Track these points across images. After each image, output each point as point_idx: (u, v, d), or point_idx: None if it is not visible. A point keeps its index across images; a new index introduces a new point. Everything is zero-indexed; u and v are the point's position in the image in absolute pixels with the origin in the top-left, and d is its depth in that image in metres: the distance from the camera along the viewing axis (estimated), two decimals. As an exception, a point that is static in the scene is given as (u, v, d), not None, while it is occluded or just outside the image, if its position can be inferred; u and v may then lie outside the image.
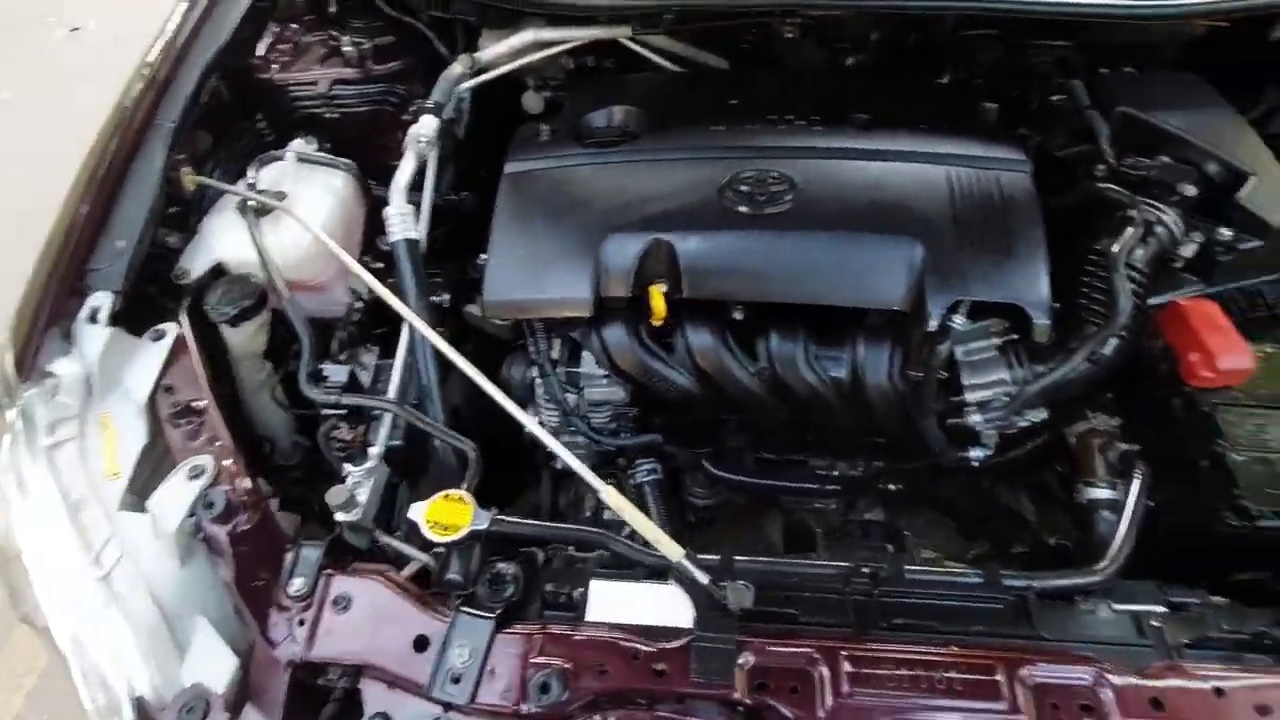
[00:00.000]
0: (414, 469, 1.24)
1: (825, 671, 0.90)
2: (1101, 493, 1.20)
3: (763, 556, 1.16)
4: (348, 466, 1.12)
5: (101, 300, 1.14)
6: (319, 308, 1.36)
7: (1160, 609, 1.01)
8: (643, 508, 1.33)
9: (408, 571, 1.07)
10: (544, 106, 1.61)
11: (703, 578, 0.95)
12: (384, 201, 1.32)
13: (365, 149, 1.47)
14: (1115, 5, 1.29)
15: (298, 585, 0.96)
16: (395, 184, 1.32)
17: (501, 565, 1.00)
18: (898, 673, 0.91)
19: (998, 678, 0.89)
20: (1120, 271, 1.13)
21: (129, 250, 1.18)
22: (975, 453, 1.26)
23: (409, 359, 1.24)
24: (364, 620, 0.95)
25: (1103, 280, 1.16)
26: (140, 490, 1.04)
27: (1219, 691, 0.88)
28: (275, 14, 1.54)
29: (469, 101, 1.52)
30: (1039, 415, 1.23)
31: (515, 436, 1.22)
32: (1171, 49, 1.50)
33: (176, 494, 1.01)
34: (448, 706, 0.89)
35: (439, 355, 1.18)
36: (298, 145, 1.41)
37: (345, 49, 1.48)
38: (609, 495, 1.04)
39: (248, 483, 1.03)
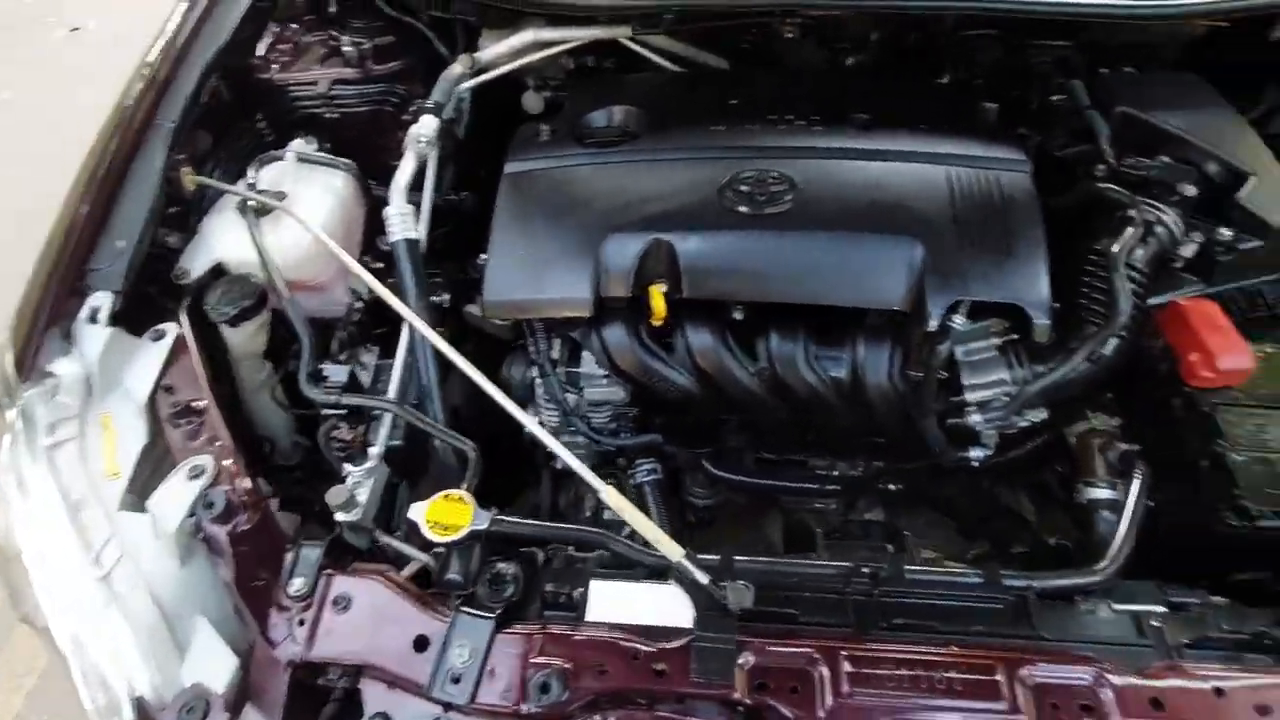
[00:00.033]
0: (414, 469, 1.24)
1: (825, 671, 0.90)
2: (1101, 493, 1.20)
3: (763, 556, 1.16)
4: (348, 466, 1.12)
5: (101, 300, 1.14)
6: (319, 308, 1.36)
7: (1160, 609, 1.01)
8: (643, 508, 1.33)
9: (408, 571, 1.07)
10: (544, 106, 1.61)
11: (703, 578, 0.95)
12: (384, 201, 1.32)
13: (365, 149, 1.47)
14: (1114, 5, 1.29)
15: (298, 585, 0.96)
16: (395, 184, 1.32)
17: (501, 565, 1.00)
18: (898, 673, 0.90)
19: (998, 678, 0.89)
20: (1120, 271, 1.13)
21: (129, 250, 1.18)
22: (975, 453, 1.26)
23: (409, 359, 1.24)
24: (364, 620, 0.95)
25: (1103, 280, 1.16)
26: (140, 490, 1.04)
27: (1219, 691, 0.88)
28: (275, 14, 1.54)
29: (469, 101, 1.52)
30: (1039, 415, 1.23)
31: (515, 436, 1.22)
32: (1172, 49, 1.50)
33: (176, 494, 1.01)
34: (448, 706, 0.89)
35: (439, 355, 1.18)
36: (298, 145, 1.41)
37: (345, 49, 1.48)
38: (609, 495, 1.04)
39: (248, 483, 1.03)
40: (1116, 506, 1.17)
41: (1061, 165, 1.34)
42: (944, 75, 1.53)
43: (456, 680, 0.89)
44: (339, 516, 1.05)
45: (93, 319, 1.13)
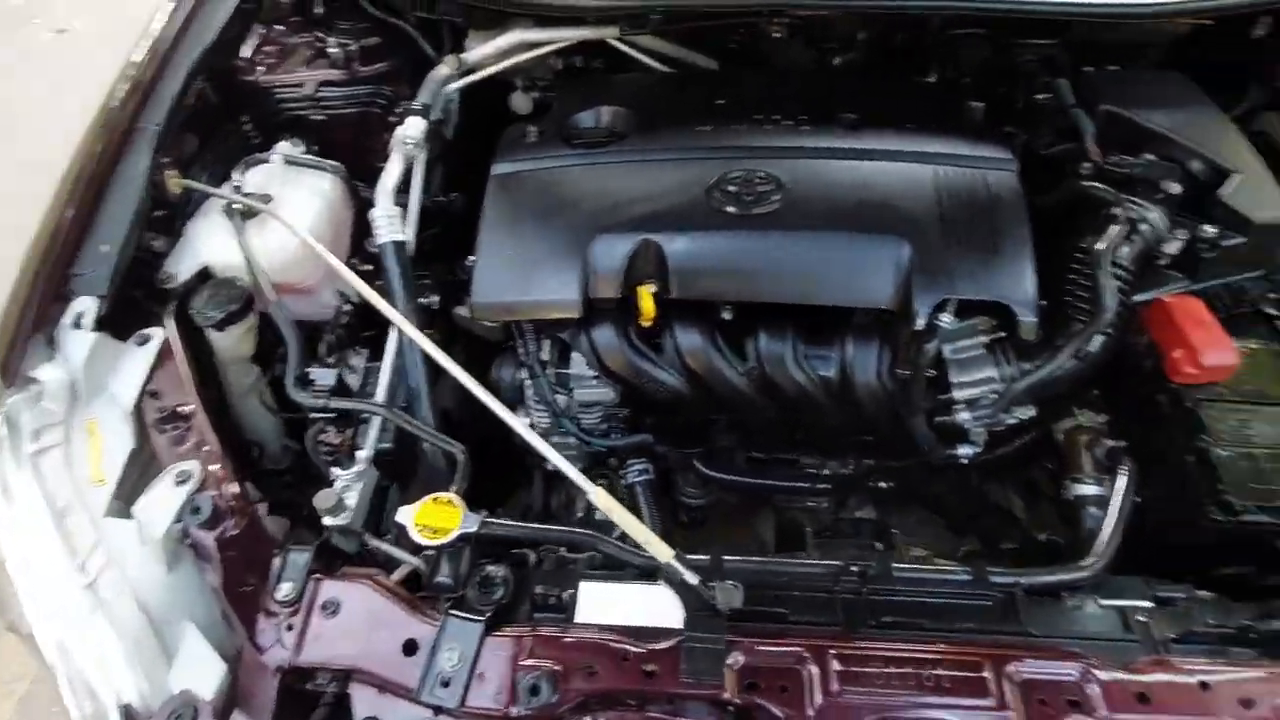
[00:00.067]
0: (403, 472, 1.24)
1: (814, 670, 0.90)
2: (1088, 489, 1.21)
3: (753, 556, 1.17)
4: (336, 470, 1.12)
5: (86, 305, 1.13)
6: (307, 310, 1.35)
7: (1146, 604, 1.02)
8: (634, 508, 1.33)
9: (398, 575, 1.07)
10: (532, 107, 1.61)
11: (692, 578, 0.96)
12: (372, 204, 1.32)
13: (352, 151, 1.46)
14: (1094, 3, 1.30)
15: (286, 590, 0.96)
16: (381, 186, 1.31)
17: (491, 568, 1.00)
18: (886, 670, 0.91)
19: (985, 674, 0.90)
20: (1105, 269, 1.13)
21: (114, 255, 1.17)
22: (964, 450, 1.26)
23: (397, 362, 1.24)
24: (353, 624, 0.95)
25: (1088, 278, 1.16)
26: (127, 496, 1.04)
27: (1204, 685, 0.89)
28: (260, 16, 1.53)
29: (457, 103, 1.51)
30: (1027, 412, 1.24)
31: (507, 438, 1.21)
32: (1157, 48, 1.51)
33: (163, 500, 1.00)
34: (437, 710, 0.89)
35: (428, 358, 1.17)
36: (284, 147, 1.41)
37: (331, 50, 1.47)
38: (598, 496, 1.04)
39: (235, 488, 1.03)
40: (1103, 502, 1.18)
41: (1047, 164, 1.34)
42: (931, 74, 1.54)
43: (446, 684, 0.89)
44: (327, 520, 1.05)
45: (77, 324, 1.12)
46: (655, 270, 1.18)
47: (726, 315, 1.22)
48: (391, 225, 1.28)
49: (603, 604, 0.98)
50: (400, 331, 1.21)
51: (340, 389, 1.24)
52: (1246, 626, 0.98)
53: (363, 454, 1.14)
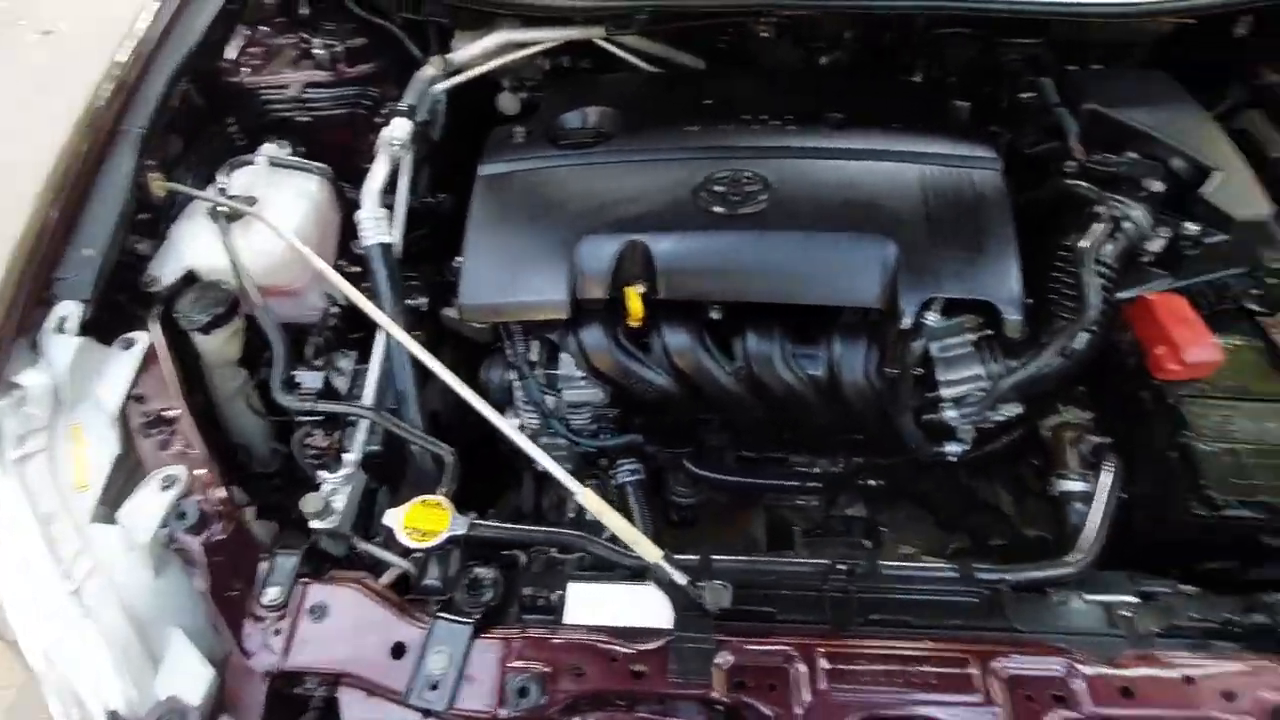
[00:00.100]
0: (392, 474, 1.24)
1: (803, 668, 0.91)
2: (1074, 485, 1.22)
3: (743, 555, 1.17)
4: (323, 474, 1.12)
5: (69, 310, 1.12)
6: (294, 313, 1.34)
7: (1131, 599, 1.03)
8: (625, 508, 1.33)
9: (387, 578, 1.06)
10: (520, 107, 1.60)
11: (680, 578, 0.96)
12: (358, 205, 1.31)
13: (339, 152, 1.46)
14: (1069, 3, 1.31)
15: (273, 594, 0.96)
16: (367, 188, 1.31)
17: (480, 570, 1.00)
18: (874, 668, 0.92)
19: (972, 671, 0.90)
20: (1089, 267, 1.14)
21: (97, 258, 1.16)
22: (952, 447, 1.27)
23: (385, 364, 1.24)
24: (341, 628, 0.94)
25: (1073, 276, 1.17)
26: (112, 502, 1.03)
27: (1187, 679, 0.90)
28: (245, 16, 1.52)
29: (443, 103, 1.51)
30: (1013, 410, 1.25)
31: (496, 440, 1.21)
32: (1141, 46, 1.52)
33: (148, 505, 1.00)
34: (426, 713, 0.89)
35: (415, 359, 1.17)
36: (269, 149, 1.40)
37: (317, 51, 1.47)
38: (585, 497, 1.04)
39: (221, 492, 1.02)
40: (1089, 499, 1.19)
41: (1032, 162, 1.35)
42: (917, 73, 1.54)
43: (434, 687, 0.89)
44: (314, 524, 1.05)
45: (60, 329, 1.11)
46: (643, 271, 1.18)
47: (715, 315, 1.22)
48: (378, 227, 1.28)
49: (592, 605, 0.98)
50: (387, 334, 1.21)
51: (327, 392, 1.23)
52: (1229, 620, 0.99)
53: (350, 457, 1.14)
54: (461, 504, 1.05)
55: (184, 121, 1.38)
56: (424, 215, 1.49)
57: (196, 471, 1.03)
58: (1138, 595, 1.04)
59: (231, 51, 1.48)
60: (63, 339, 1.11)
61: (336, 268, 1.34)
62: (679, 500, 1.47)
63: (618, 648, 0.92)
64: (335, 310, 1.34)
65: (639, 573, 1.02)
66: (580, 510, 1.33)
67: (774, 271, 1.17)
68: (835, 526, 1.46)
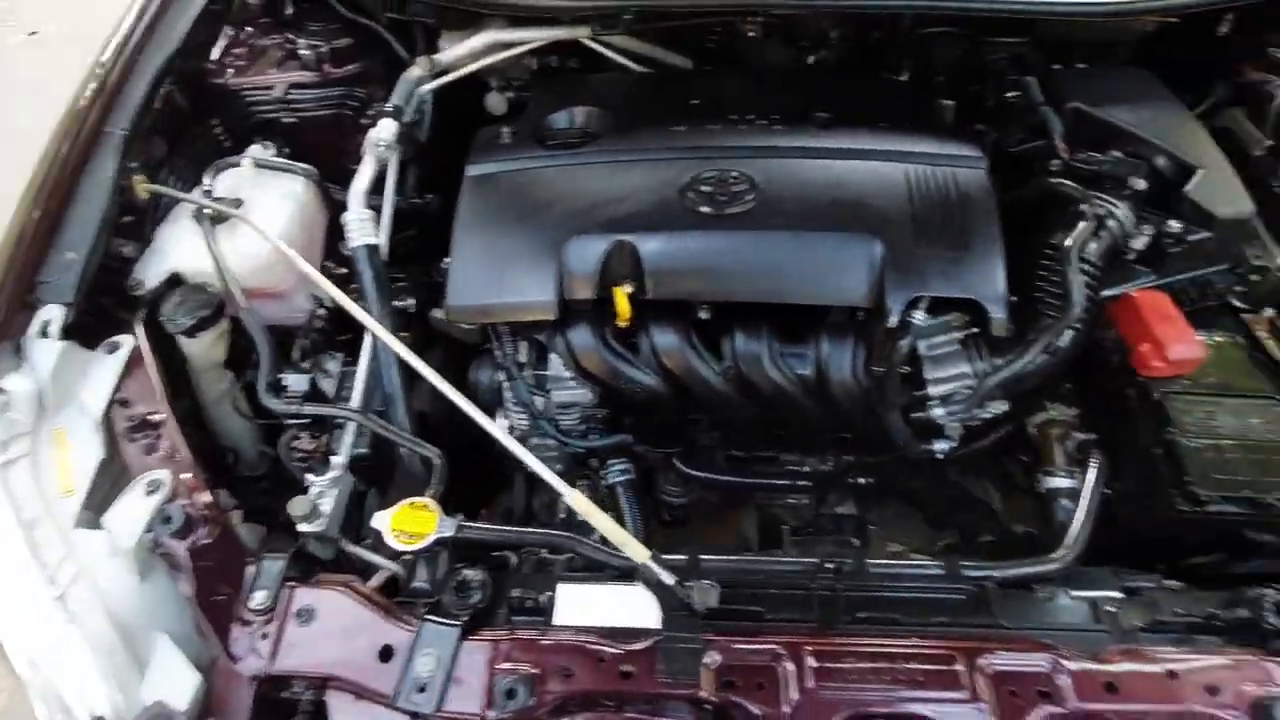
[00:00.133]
0: (382, 477, 1.23)
1: (790, 667, 0.91)
2: (1060, 482, 1.23)
3: (731, 554, 1.17)
4: (310, 477, 1.11)
5: (52, 314, 1.12)
6: (281, 315, 1.34)
7: (1116, 594, 1.04)
8: (616, 508, 1.33)
9: (376, 581, 1.06)
10: (508, 108, 1.60)
11: (668, 578, 0.96)
12: (345, 207, 1.31)
13: (326, 153, 1.45)
14: (1050, 2, 1.31)
15: (260, 598, 0.95)
16: (353, 189, 1.30)
17: (468, 572, 1.00)
18: (861, 666, 0.92)
19: (958, 667, 0.91)
20: (1074, 265, 1.15)
21: (80, 262, 1.15)
22: (940, 445, 1.28)
23: (373, 366, 1.23)
24: (328, 632, 0.94)
25: (1058, 274, 1.18)
26: (97, 507, 1.02)
27: (1171, 674, 0.91)
28: (230, 17, 1.51)
29: (430, 104, 1.50)
30: (1000, 407, 1.25)
31: (487, 440, 1.21)
32: (1126, 45, 1.53)
33: (133, 510, 0.99)
34: (414, 716, 0.89)
35: (403, 361, 1.17)
36: (255, 151, 1.39)
37: (302, 52, 1.46)
38: (573, 498, 1.04)
39: (207, 496, 1.02)
40: (1075, 495, 1.19)
41: (1017, 161, 1.36)
42: (904, 73, 1.55)
43: (422, 689, 0.89)
44: (302, 527, 1.04)
45: (43, 333, 1.10)
46: (630, 271, 1.18)
47: (703, 315, 1.22)
48: (364, 229, 1.28)
49: (581, 605, 0.98)
50: (374, 335, 1.21)
51: (314, 394, 1.23)
52: (1212, 615, 1.00)
53: (337, 460, 1.14)
54: (453, 505, 1.05)
55: (168, 123, 1.37)
56: (412, 216, 1.49)
57: (182, 476, 1.03)
58: (1122, 591, 1.05)
59: (216, 52, 1.48)
60: (46, 343, 1.10)
61: (324, 269, 1.33)
62: (670, 500, 1.47)
63: (606, 648, 0.92)
64: (322, 312, 1.33)
65: (628, 573, 1.02)
66: (571, 511, 1.33)
67: (761, 271, 1.18)
68: (826, 525, 1.46)
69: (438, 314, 1.35)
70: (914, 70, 1.53)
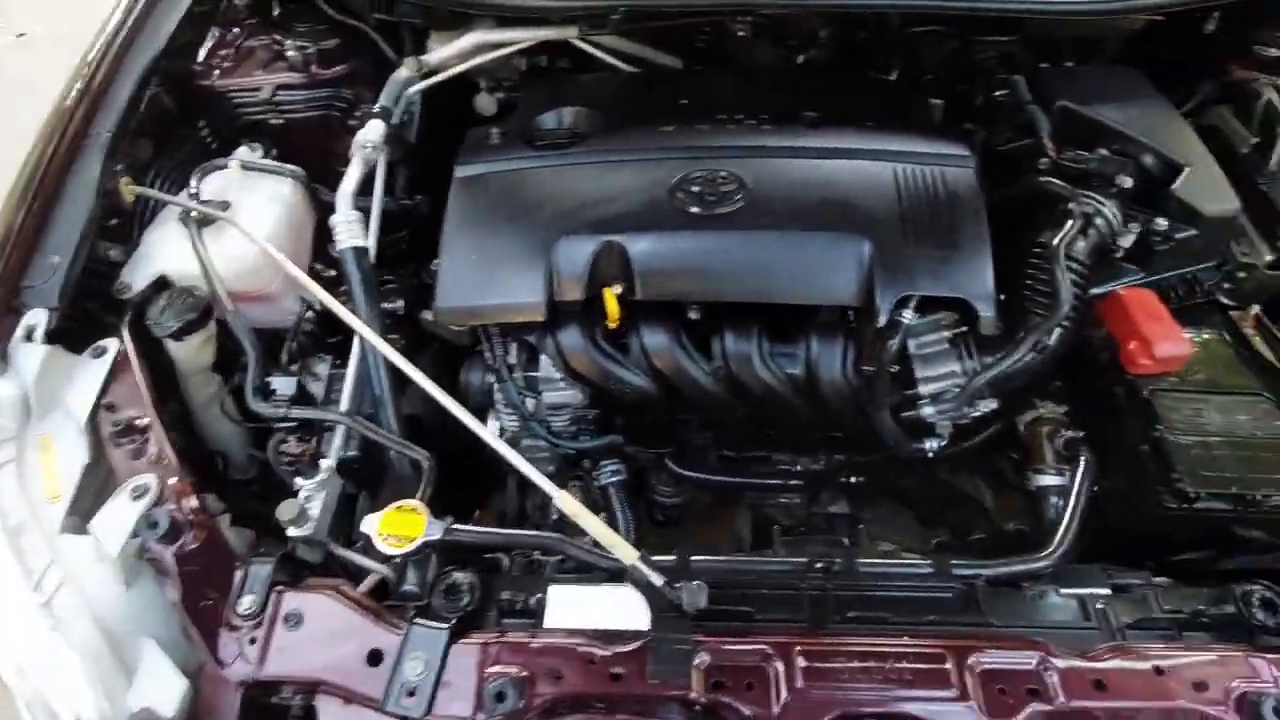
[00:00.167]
0: (372, 480, 1.23)
1: (780, 667, 0.91)
2: (1050, 479, 1.23)
3: (726, 554, 1.17)
4: (299, 480, 1.11)
5: (37, 318, 1.11)
6: (270, 318, 1.33)
7: (1105, 592, 1.04)
8: (608, 509, 1.33)
9: (367, 585, 1.06)
10: (498, 108, 1.60)
11: (657, 579, 0.96)
12: (334, 209, 1.30)
13: (314, 155, 1.44)
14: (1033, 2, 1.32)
15: (248, 603, 0.95)
16: (341, 191, 1.30)
17: (458, 575, 0.99)
18: (851, 665, 0.92)
19: (947, 666, 0.91)
20: (1061, 263, 1.15)
21: (65, 265, 1.15)
22: (930, 444, 1.28)
23: (361, 368, 1.23)
24: (316, 636, 0.94)
25: (1046, 272, 1.18)
26: (83, 512, 1.02)
27: (1159, 670, 0.91)
28: (216, 18, 1.50)
29: (419, 105, 1.50)
30: (990, 405, 1.25)
31: (480, 442, 1.21)
32: (1114, 43, 1.54)
33: (119, 515, 0.99)
34: (403, 720, 0.89)
35: (392, 363, 1.16)
36: (242, 153, 1.39)
37: (289, 53, 1.45)
38: (562, 500, 1.04)
39: (194, 501, 1.01)
40: (1064, 492, 1.20)
41: (1006, 160, 1.36)
42: (893, 72, 1.55)
43: (411, 693, 0.89)
44: (290, 531, 1.04)
45: (28, 337, 1.10)
46: (620, 271, 1.18)
47: (693, 315, 1.22)
48: (351, 231, 1.27)
49: (571, 607, 0.98)
50: (362, 338, 1.20)
51: (302, 397, 1.22)
52: (1200, 611, 1.00)
53: (326, 463, 1.13)
54: (445, 508, 1.04)
55: (154, 125, 1.37)
56: (402, 217, 1.48)
57: (168, 480, 1.02)
58: (1111, 588, 1.05)
59: (203, 54, 1.47)
60: (31, 347, 1.09)
61: (312, 271, 1.33)
62: (662, 500, 1.47)
63: (596, 650, 0.92)
64: (310, 315, 1.33)
65: (619, 574, 1.02)
66: (563, 513, 1.33)
67: (750, 271, 1.18)
68: (818, 524, 1.47)
69: (428, 316, 1.35)
70: (903, 69, 1.53)
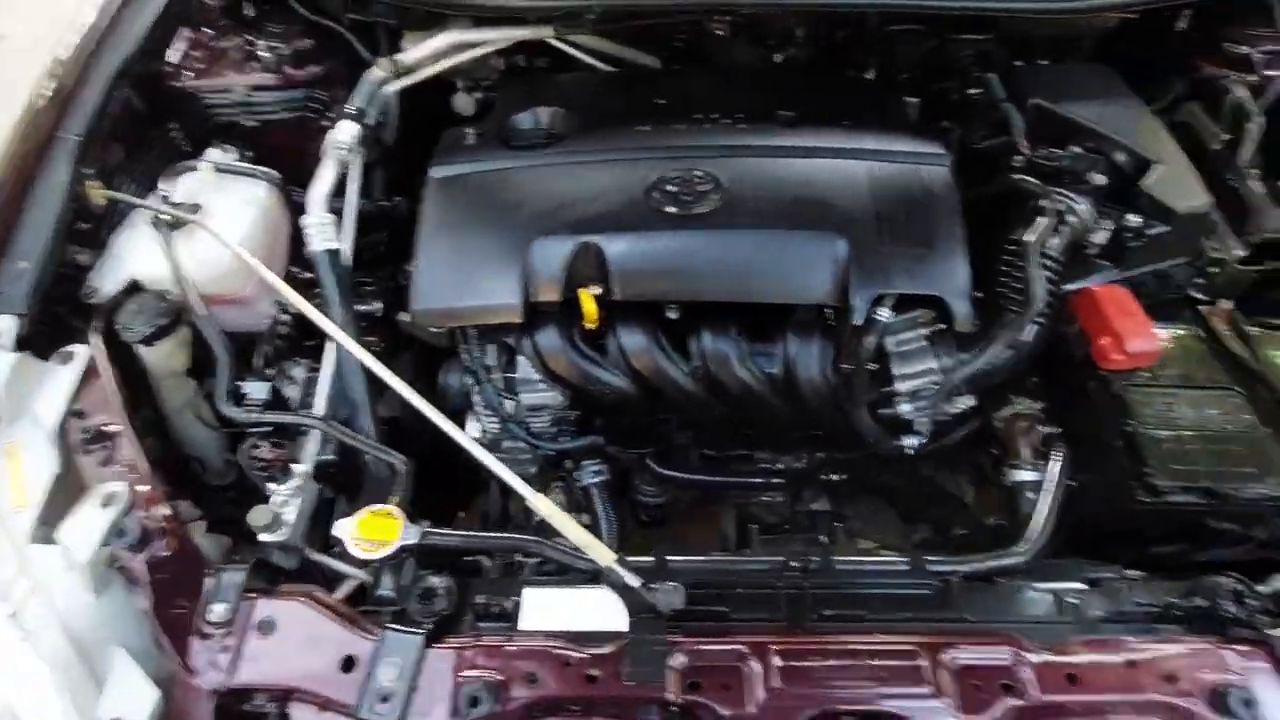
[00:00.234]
0: (349, 484, 1.22)
1: (756, 666, 0.91)
2: (1026, 475, 1.24)
3: (706, 554, 1.17)
4: (271, 485, 1.09)
5: (5, 325, 1.09)
6: (245, 322, 1.32)
7: (1079, 586, 1.05)
8: (590, 510, 1.33)
9: (343, 590, 1.05)
10: (475, 108, 1.59)
11: (633, 581, 0.96)
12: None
13: (288, 157, 1.43)
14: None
15: (219, 611, 0.94)
16: (313, 193, 1.29)
17: (433, 579, 0.99)
18: (827, 663, 0.92)
19: (921, 662, 0.91)
20: (1035, 260, 1.16)
21: (33, 271, 1.13)
22: (909, 441, 1.28)
23: (337, 372, 1.22)
24: (290, 643, 0.93)
25: (1020, 269, 1.19)
26: (52, 521, 1.00)
27: (1130, 663, 0.92)
28: (188, 18, 1.48)
29: (395, 105, 1.49)
30: (968, 402, 1.26)
31: (459, 445, 1.20)
32: (1088, 42, 1.55)
33: (88, 523, 0.97)
34: (377, 726, 0.88)
35: (367, 367, 1.15)
36: (214, 155, 1.37)
37: (263, 54, 1.43)
38: (538, 501, 1.04)
39: (165, 508, 1.00)
40: (1039, 488, 1.20)
41: (981, 157, 1.37)
42: (870, 70, 1.55)
43: (385, 699, 0.88)
44: (263, 537, 1.03)
45: (-4, 344, 1.08)
46: (597, 272, 1.18)
47: (671, 315, 1.22)
48: (324, 233, 1.26)
49: (546, 610, 0.98)
50: (337, 341, 1.19)
51: (275, 402, 1.21)
52: (1171, 604, 1.01)
53: (300, 468, 1.12)
54: (426, 511, 1.04)
55: (125, 127, 1.35)
56: (379, 219, 1.47)
57: (139, 488, 1.01)
58: (1085, 582, 1.06)
59: (174, 54, 1.45)
60: (-2, 354, 1.07)
61: (288, 274, 1.31)
62: (646, 500, 1.47)
63: (571, 653, 0.92)
64: (285, 318, 1.31)
65: (597, 576, 1.01)
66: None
67: (727, 270, 1.18)
68: (801, 522, 1.47)
69: (405, 317, 1.34)
70: (879, 68, 1.54)
